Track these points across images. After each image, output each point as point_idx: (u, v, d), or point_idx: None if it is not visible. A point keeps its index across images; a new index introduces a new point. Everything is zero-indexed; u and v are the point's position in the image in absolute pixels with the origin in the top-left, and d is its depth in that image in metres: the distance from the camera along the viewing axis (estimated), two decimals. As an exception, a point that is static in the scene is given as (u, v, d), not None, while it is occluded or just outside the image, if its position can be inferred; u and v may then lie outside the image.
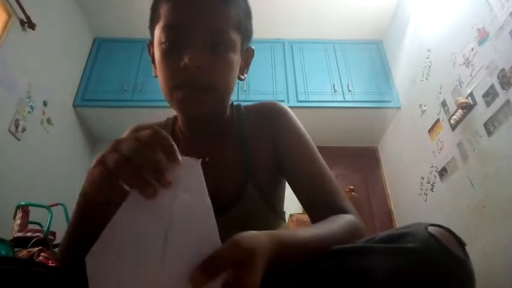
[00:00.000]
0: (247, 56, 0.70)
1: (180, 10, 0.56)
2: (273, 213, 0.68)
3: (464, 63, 2.04)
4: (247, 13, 0.65)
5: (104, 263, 0.33)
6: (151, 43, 0.65)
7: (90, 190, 0.40)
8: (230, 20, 0.58)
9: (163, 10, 0.58)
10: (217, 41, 0.57)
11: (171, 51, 0.56)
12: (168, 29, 0.57)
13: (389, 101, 2.90)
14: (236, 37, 0.60)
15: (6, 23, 2.11)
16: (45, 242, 1.73)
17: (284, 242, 0.40)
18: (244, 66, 0.69)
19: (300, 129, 0.68)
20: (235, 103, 0.74)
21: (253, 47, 0.70)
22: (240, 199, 0.62)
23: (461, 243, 0.38)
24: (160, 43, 0.58)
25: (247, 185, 0.63)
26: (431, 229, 0.38)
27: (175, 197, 0.35)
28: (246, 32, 0.64)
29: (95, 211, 0.43)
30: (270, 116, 0.69)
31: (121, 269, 0.33)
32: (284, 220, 0.73)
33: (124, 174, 0.34)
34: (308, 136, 0.67)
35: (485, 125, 1.86)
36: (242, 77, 0.68)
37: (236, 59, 0.61)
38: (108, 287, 0.33)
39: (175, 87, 0.56)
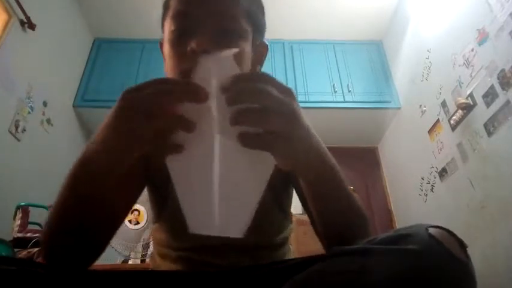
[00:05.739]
0: (261, 50, 0.67)
1: None
2: (282, 214, 0.71)
3: (464, 63, 2.04)
4: (259, 5, 0.64)
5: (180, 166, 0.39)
6: (163, 40, 0.64)
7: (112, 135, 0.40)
8: (240, 7, 0.57)
9: (172, 1, 0.58)
10: (226, 27, 0.55)
11: (180, 39, 0.54)
12: (176, 17, 0.56)
13: (389, 102, 2.90)
14: (247, 26, 0.58)
15: (6, 24, 2.10)
16: (45, 242, 1.72)
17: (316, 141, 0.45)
18: (257, 61, 0.66)
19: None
20: None
21: (267, 42, 0.67)
22: None
23: (462, 245, 0.37)
24: (170, 32, 0.56)
25: None
26: (432, 231, 0.38)
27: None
28: (258, 24, 0.62)
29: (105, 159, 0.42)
30: None
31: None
32: (291, 222, 0.75)
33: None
34: None
35: (485, 125, 1.86)
36: None
37: (247, 48, 0.58)
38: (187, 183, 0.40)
39: (181, 73, 0.53)
